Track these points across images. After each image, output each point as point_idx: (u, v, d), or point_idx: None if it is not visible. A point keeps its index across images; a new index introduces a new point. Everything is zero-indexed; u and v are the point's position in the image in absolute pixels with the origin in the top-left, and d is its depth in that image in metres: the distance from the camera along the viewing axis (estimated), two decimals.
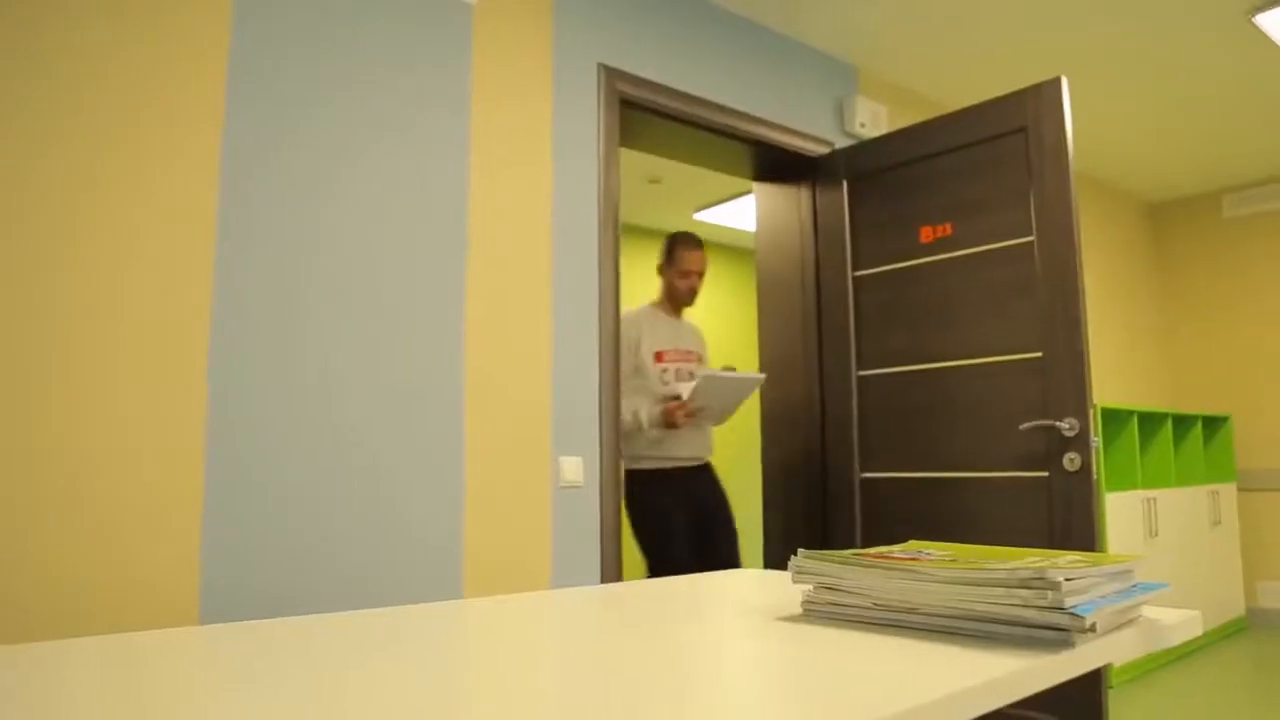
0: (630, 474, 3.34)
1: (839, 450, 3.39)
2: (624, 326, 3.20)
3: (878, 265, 3.35)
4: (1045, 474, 2.80)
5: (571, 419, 2.71)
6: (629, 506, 3.31)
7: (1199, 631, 1.05)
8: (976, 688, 0.71)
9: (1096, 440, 2.75)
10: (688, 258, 3.56)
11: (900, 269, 3.27)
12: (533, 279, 2.70)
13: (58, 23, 1.95)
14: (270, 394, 2.16)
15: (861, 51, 3.75)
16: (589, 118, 2.89)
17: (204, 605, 2.00)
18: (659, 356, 3.47)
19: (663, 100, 3.07)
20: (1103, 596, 0.88)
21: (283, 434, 2.16)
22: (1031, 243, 2.90)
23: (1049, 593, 0.81)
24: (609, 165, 2.91)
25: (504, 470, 2.54)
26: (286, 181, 2.25)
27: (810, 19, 3.48)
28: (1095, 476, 2.71)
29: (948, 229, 3.14)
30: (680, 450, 3.44)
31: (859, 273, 3.40)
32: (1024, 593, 0.83)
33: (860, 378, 3.36)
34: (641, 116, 3.13)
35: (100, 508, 1.90)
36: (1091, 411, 2.73)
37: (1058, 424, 2.75)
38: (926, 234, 3.19)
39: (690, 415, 3.31)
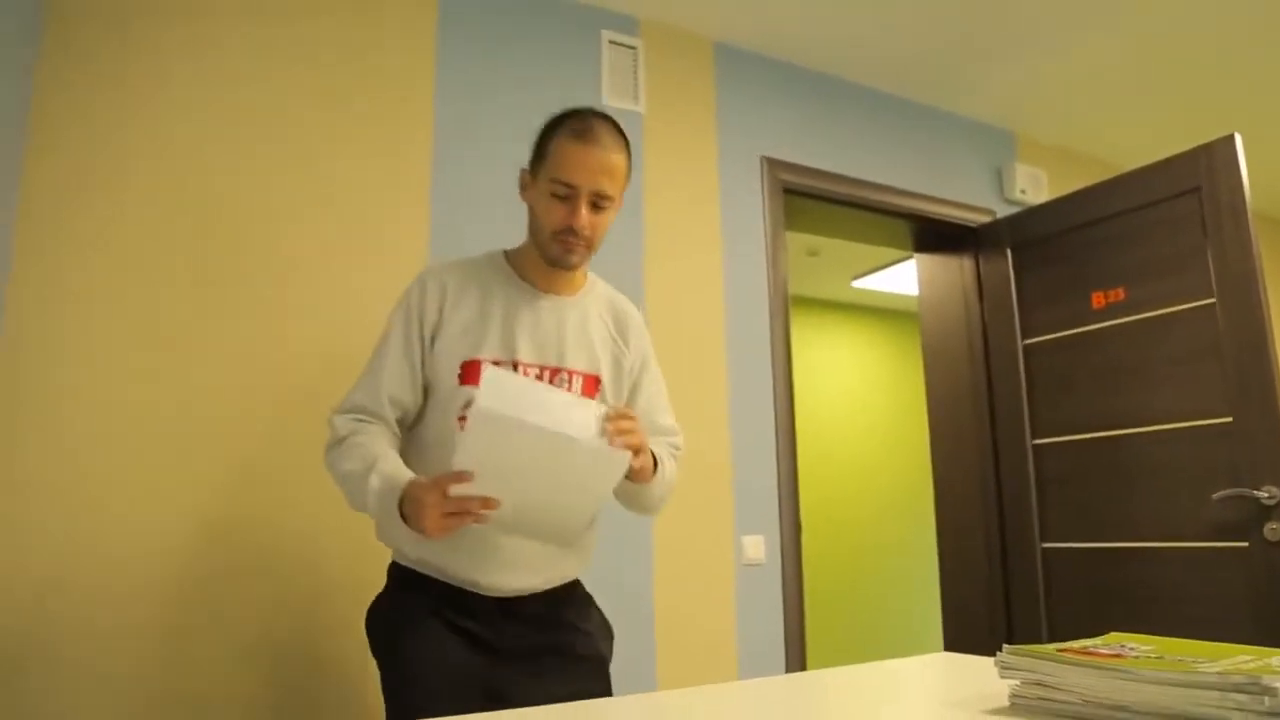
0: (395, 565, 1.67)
1: (1018, 521, 3.34)
2: (414, 284, 1.66)
3: (1048, 333, 3.31)
4: (1245, 544, 2.69)
5: (751, 497, 2.80)
6: (371, 624, 1.65)
7: None
8: None
9: None
10: (569, 152, 1.59)
11: (1071, 335, 3.23)
12: (709, 362, 2.83)
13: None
14: None
15: (1018, 117, 3.76)
16: (754, 208, 3.03)
17: None
18: (471, 370, 1.57)
19: (822, 185, 3.19)
20: None
21: None
22: (1213, 304, 2.83)
23: (1266, 698, 0.85)
24: (776, 252, 3.03)
25: (689, 548, 2.65)
26: None
27: (966, 91, 3.53)
28: None
29: (1120, 294, 3.09)
30: (472, 568, 1.56)
31: (1029, 340, 3.38)
32: (1239, 697, 0.87)
33: (1035, 446, 3.32)
34: (802, 201, 3.25)
35: None
36: None
37: (1255, 493, 2.64)
38: (1098, 299, 3.15)
39: (455, 511, 1.37)
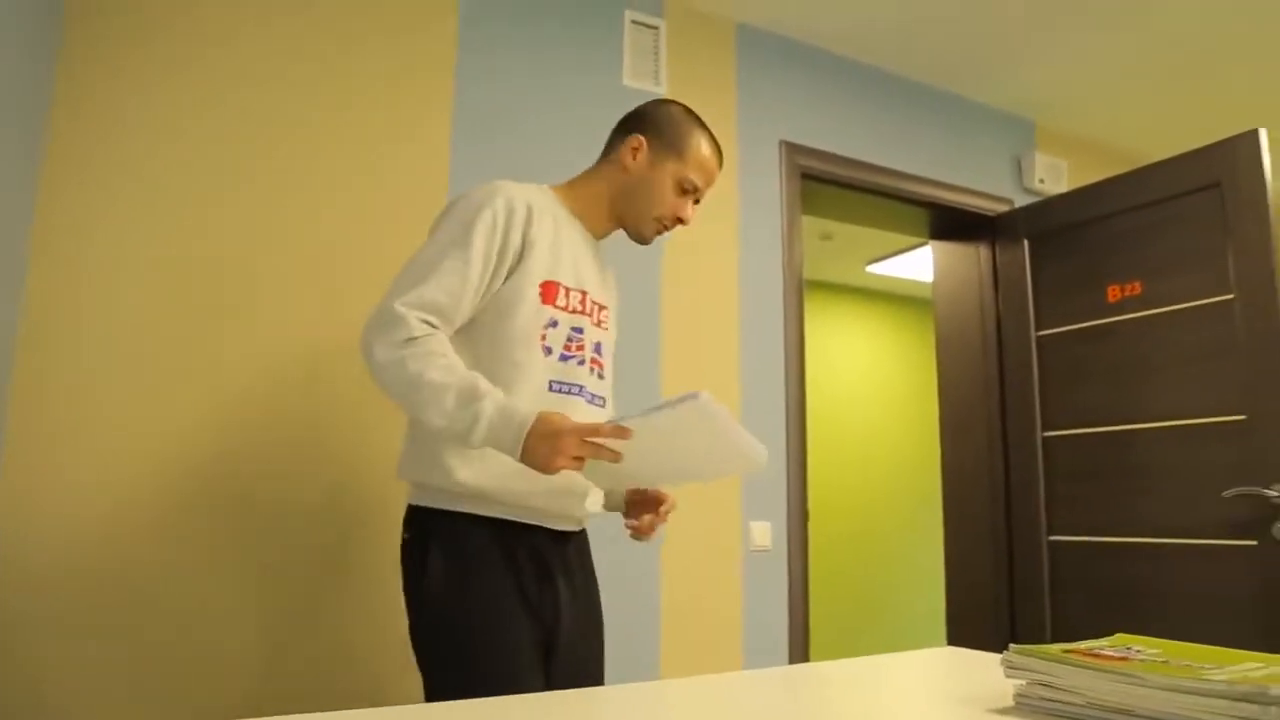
0: (433, 513, 1.58)
1: (1025, 513, 3.34)
2: (496, 197, 1.59)
3: (1062, 325, 3.30)
4: (1254, 543, 2.69)
5: (760, 482, 2.81)
6: (421, 573, 1.56)
7: None
8: None
9: None
10: (706, 160, 1.75)
11: (1086, 328, 3.21)
12: (721, 345, 2.83)
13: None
14: None
15: (1040, 106, 3.73)
16: (771, 192, 3.02)
17: None
18: (550, 291, 1.63)
19: (839, 170, 3.17)
20: None
21: None
22: (1231, 301, 2.81)
23: (1273, 709, 0.85)
24: (791, 237, 3.02)
25: (697, 533, 2.66)
26: None
27: (987, 78, 3.50)
28: None
29: (1136, 288, 3.07)
30: (550, 500, 1.61)
31: (1042, 332, 3.36)
32: (1246, 706, 0.87)
33: (1046, 438, 3.31)
34: (819, 185, 3.23)
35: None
36: None
37: (1265, 491, 2.64)
38: (1114, 293, 3.13)
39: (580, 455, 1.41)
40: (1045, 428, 3.32)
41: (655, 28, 2.85)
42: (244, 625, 2.04)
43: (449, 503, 1.55)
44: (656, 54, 2.83)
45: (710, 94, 2.94)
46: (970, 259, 3.69)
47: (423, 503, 1.58)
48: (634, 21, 2.81)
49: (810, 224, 5.02)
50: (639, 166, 1.72)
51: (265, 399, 2.15)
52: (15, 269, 1.92)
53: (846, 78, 3.28)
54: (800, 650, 2.78)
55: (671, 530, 2.61)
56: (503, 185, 1.62)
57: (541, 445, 1.39)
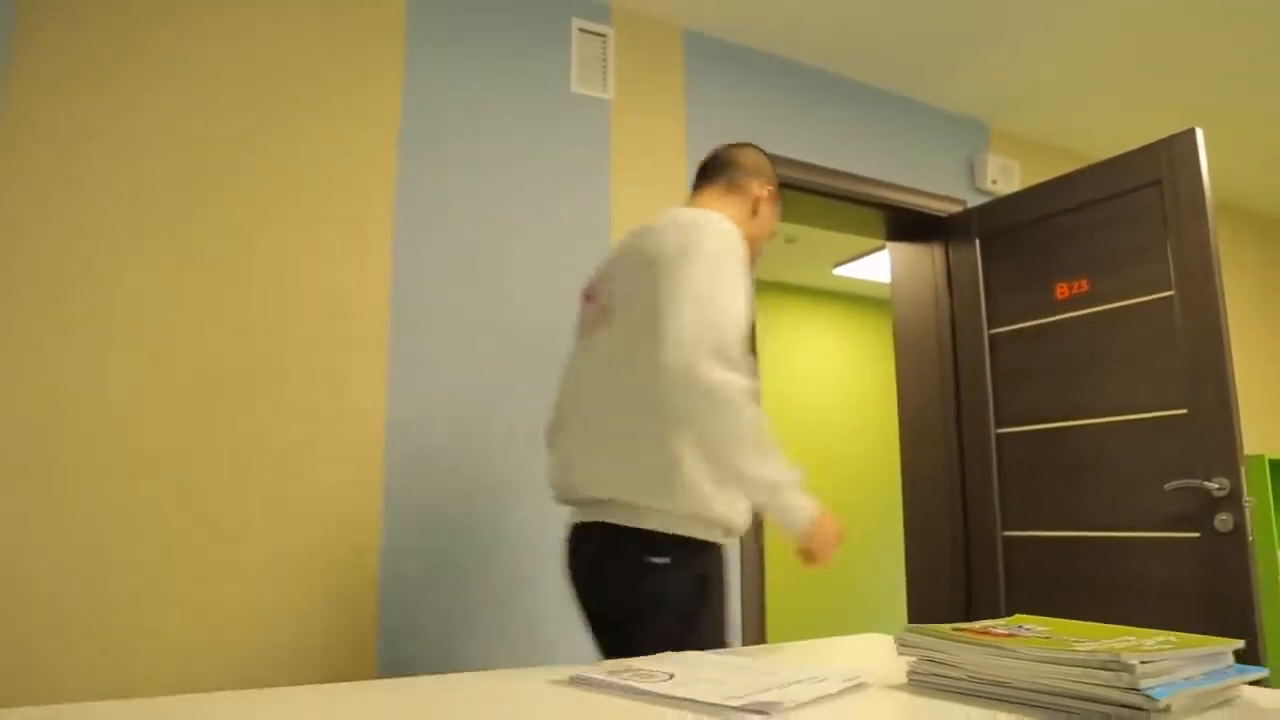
0: (688, 540, 1.72)
1: (980, 509, 3.39)
2: (738, 243, 1.77)
3: (1013, 323, 3.35)
4: (1196, 535, 2.74)
5: None
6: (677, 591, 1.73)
7: None
8: None
9: (1251, 501, 2.67)
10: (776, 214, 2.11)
11: (1036, 326, 3.27)
12: None
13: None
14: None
15: (993, 109, 3.79)
16: None
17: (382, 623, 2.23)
18: None
19: (792, 174, 3.21)
20: (1186, 679, 0.94)
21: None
22: (1171, 297, 2.86)
23: (1124, 674, 0.89)
24: None
25: None
26: (453, 263, 2.53)
27: (938, 81, 3.56)
28: (1250, 538, 2.63)
29: (1083, 285, 3.12)
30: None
31: (995, 330, 3.42)
32: (1103, 674, 0.91)
33: (999, 435, 3.36)
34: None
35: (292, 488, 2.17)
36: (1243, 470, 2.66)
37: (1206, 484, 2.69)
38: (1062, 290, 3.18)
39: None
40: (999, 424, 3.37)
41: (603, 35, 2.89)
42: None
43: (702, 531, 1.71)
44: (604, 61, 2.87)
45: (658, 100, 2.98)
46: (925, 260, 3.74)
47: (676, 530, 1.69)
48: (581, 30, 2.86)
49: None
50: (763, 204, 2.02)
51: None
52: None
53: (797, 82, 3.33)
54: (755, 638, 2.81)
55: None
56: (733, 226, 1.78)
57: (822, 536, 1.72)
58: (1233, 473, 2.66)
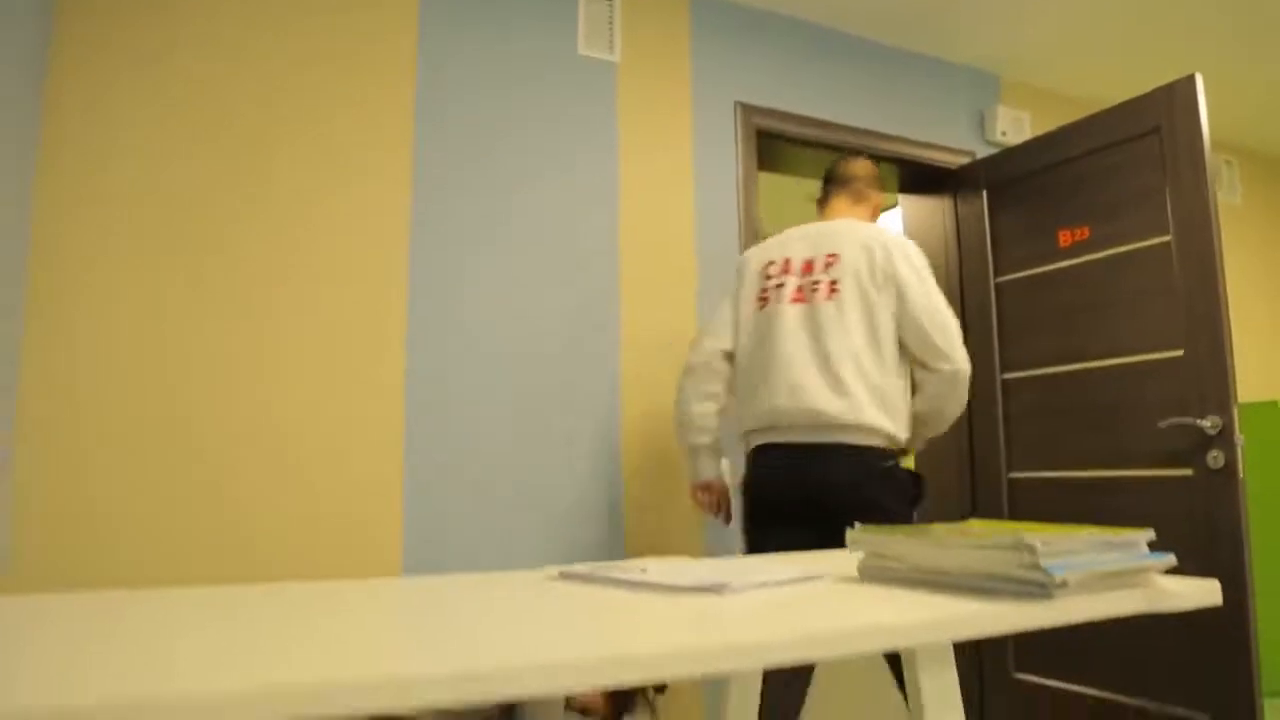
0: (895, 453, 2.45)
1: (987, 451, 3.50)
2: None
3: (1018, 271, 3.44)
4: (1189, 472, 2.83)
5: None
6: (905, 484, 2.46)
7: (1218, 601, 1.19)
8: (961, 618, 0.95)
9: (1241, 438, 2.75)
10: None
11: (1039, 274, 3.35)
12: (679, 301, 3.00)
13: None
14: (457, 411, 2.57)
15: (1003, 61, 3.84)
16: (728, 153, 3.16)
17: None
18: None
19: (800, 129, 3.31)
20: (1087, 560, 1.07)
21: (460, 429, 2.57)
22: (1169, 242, 2.93)
23: (1026, 554, 1.02)
24: (748, 195, 3.17)
25: (659, 474, 2.84)
26: (464, 223, 2.67)
27: (950, 36, 3.61)
28: (1240, 475, 2.72)
29: (1085, 232, 3.20)
30: None
31: (1000, 279, 3.50)
32: (1011, 554, 1.04)
33: (1005, 381, 3.46)
34: (783, 145, 3.37)
35: (317, 487, 2.35)
36: (1235, 408, 2.74)
37: (1199, 421, 2.78)
38: (1065, 238, 3.26)
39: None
40: (1004, 370, 3.47)
41: None
42: None
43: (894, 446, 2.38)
44: (611, 23, 2.98)
45: (665, 61, 3.08)
46: (936, 211, 3.82)
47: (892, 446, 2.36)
48: None
49: (795, 185, 5.15)
50: (880, 212, 2.69)
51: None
52: (15, 270, 2.12)
53: (805, 40, 3.41)
54: None
55: (630, 471, 2.80)
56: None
57: None
58: (1225, 411, 2.74)
